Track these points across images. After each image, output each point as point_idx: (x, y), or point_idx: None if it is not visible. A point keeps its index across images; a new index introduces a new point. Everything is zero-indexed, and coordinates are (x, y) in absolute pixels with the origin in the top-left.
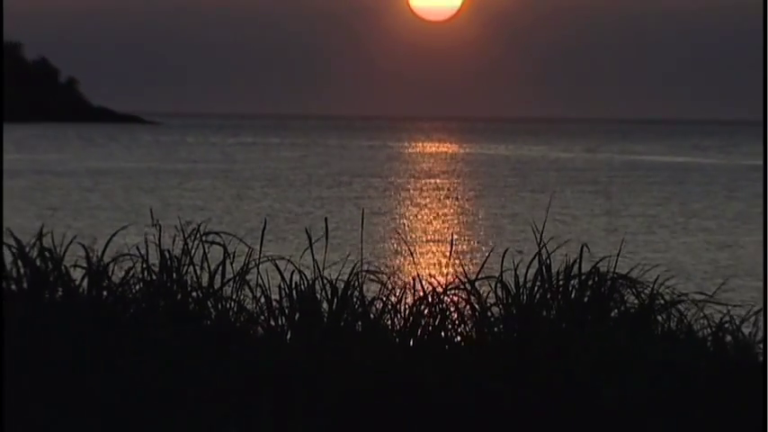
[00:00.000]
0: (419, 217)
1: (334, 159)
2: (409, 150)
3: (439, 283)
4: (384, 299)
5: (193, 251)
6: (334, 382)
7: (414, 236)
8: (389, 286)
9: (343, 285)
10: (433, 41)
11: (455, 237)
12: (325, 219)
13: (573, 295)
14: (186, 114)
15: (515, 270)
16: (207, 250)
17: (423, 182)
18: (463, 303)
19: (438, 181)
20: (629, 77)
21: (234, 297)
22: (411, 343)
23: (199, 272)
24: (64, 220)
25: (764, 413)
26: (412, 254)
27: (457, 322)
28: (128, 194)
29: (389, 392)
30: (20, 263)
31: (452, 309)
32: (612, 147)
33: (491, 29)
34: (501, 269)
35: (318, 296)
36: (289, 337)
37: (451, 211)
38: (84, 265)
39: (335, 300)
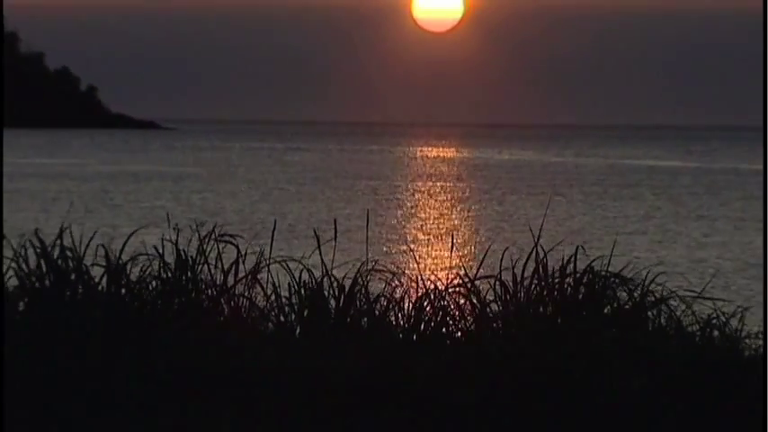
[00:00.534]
0: (421, 218)
1: (339, 163)
2: (411, 155)
3: (440, 281)
4: (388, 296)
5: (208, 251)
6: (341, 375)
7: (416, 236)
8: (393, 284)
9: (349, 283)
10: (435, 51)
11: (455, 237)
12: (335, 220)
13: (568, 293)
14: (200, 120)
15: (513, 269)
16: (221, 250)
17: (424, 185)
18: (463, 300)
19: (439, 184)
20: (622, 86)
21: (246, 295)
22: (414, 338)
23: (213, 271)
24: (84, 221)
25: (764, 413)
26: (414, 253)
27: (458, 318)
28: (145, 197)
29: (393, 385)
30: (42, 262)
31: (453, 305)
32: (605, 151)
33: (490, 39)
34: (499, 268)
35: (326, 293)
36: (298, 332)
37: (452, 212)
38: (104, 263)
39: (342, 297)
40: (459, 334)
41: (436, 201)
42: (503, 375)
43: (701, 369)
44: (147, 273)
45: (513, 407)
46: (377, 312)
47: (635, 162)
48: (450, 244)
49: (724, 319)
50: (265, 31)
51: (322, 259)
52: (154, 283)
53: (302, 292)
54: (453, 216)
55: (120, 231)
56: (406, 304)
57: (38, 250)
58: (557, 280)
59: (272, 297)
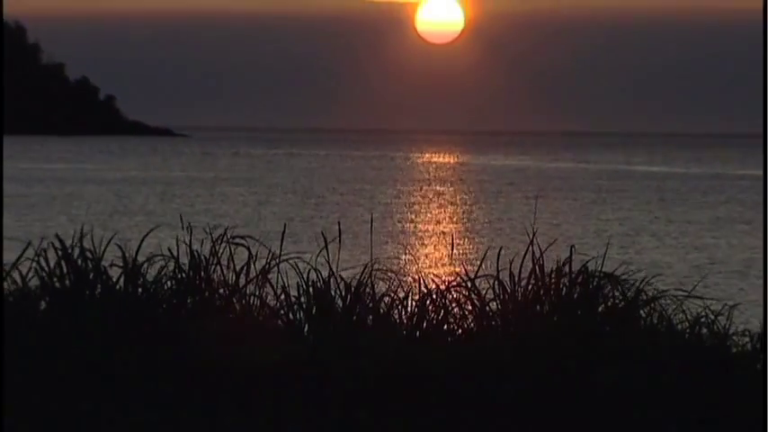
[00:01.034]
0: (423, 220)
1: (345, 168)
2: (413, 161)
3: (442, 280)
4: (392, 295)
5: (220, 252)
6: (347, 370)
7: (418, 237)
8: (397, 284)
9: (355, 283)
10: (437, 62)
11: (456, 238)
12: (338, 222)
13: (564, 292)
14: (212, 128)
15: (511, 269)
16: (233, 252)
17: (425, 189)
18: (464, 299)
19: (440, 188)
20: (616, 95)
21: (257, 294)
22: (417, 335)
23: (225, 271)
24: (103, 224)
25: (764, 413)
26: (417, 254)
27: (458, 316)
28: (160, 200)
29: (397, 380)
30: (63, 262)
31: (454, 304)
32: (599, 157)
33: (489, 50)
34: (498, 268)
35: (333, 293)
36: (306, 330)
37: (452, 214)
38: (121, 264)
39: (348, 296)
40: (460, 331)
41: (437, 204)
42: (502, 370)
43: (690, 364)
44: (163, 273)
45: (511, 399)
46: (381, 311)
47: (628, 167)
48: (450, 245)
49: (712, 318)
50: (274, 42)
51: (329, 260)
52: (169, 282)
53: (310, 291)
54: (453, 218)
55: (137, 233)
56: (410, 303)
57: (59, 252)
58: (553, 280)
59: (282, 296)
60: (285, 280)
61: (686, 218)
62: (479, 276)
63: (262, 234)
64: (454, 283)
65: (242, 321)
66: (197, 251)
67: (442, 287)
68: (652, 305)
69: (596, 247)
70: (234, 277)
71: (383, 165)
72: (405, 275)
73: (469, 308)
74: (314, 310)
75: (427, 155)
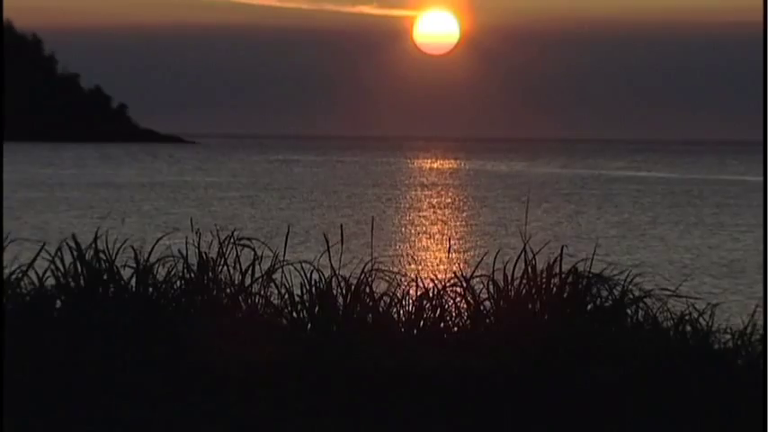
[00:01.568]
0: (420, 223)
1: (345, 173)
2: (411, 166)
3: (438, 280)
4: (391, 295)
5: (227, 254)
6: (348, 366)
7: (416, 239)
8: (396, 284)
9: (355, 283)
10: (434, 72)
11: (452, 240)
12: (341, 225)
13: (554, 291)
14: (219, 135)
15: (504, 269)
16: (239, 253)
17: (423, 193)
18: (460, 298)
19: (437, 192)
20: (606, 104)
21: (262, 293)
22: (415, 333)
23: (231, 271)
24: (116, 227)
25: (764, 413)
26: (414, 255)
27: (454, 315)
28: (170, 204)
29: (395, 375)
30: (78, 263)
31: (450, 303)
32: (589, 162)
33: (484, 61)
34: (492, 268)
35: (335, 292)
36: (309, 327)
37: (449, 217)
38: (133, 265)
39: (349, 295)
40: (456, 329)
41: (434, 207)
42: (495, 366)
43: (674, 361)
44: (173, 273)
45: (504, 394)
46: (381, 309)
47: (615, 173)
48: (447, 247)
49: (695, 316)
50: (279, 54)
51: (330, 261)
52: (178, 282)
53: (313, 290)
54: (450, 221)
55: (148, 236)
56: (408, 302)
57: (74, 253)
58: (544, 280)
59: (286, 295)
60: (289, 280)
61: (670, 220)
62: (474, 277)
63: (266, 236)
64: (450, 283)
65: (247, 319)
66: (205, 252)
67: (439, 287)
68: (638, 304)
69: (585, 249)
70: (240, 277)
71: (382, 170)
72: (403, 275)
73: (465, 306)
74: (316, 309)
75: (424, 160)
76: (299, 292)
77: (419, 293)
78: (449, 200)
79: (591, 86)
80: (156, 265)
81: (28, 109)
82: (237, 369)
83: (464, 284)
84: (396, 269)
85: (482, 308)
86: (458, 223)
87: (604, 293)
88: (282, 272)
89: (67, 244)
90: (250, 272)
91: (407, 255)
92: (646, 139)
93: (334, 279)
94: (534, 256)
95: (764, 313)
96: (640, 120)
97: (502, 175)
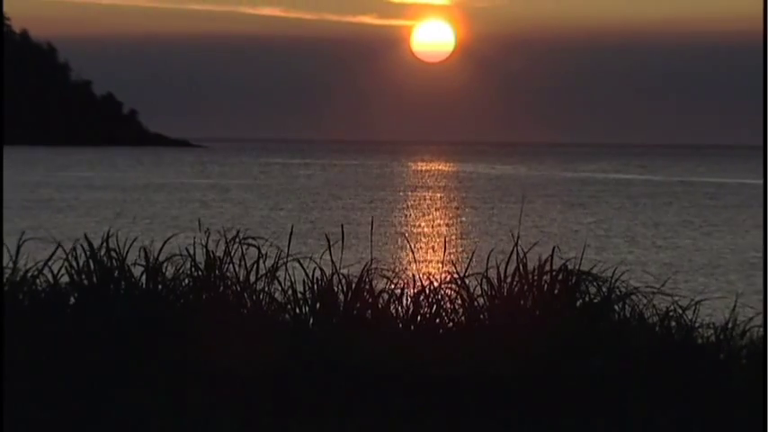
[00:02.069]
0: (418, 223)
1: (346, 176)
2: (409, 169)
3: (435, 278)
4: (390, 291)
5: (233, 252)
6: (349, 360)
7: (414, 239)
8: (394, 281)
9: (356, 280)
10: (431, 79)
11: (448, 239)
12: (342, 225)
13: (545, 288)
14: (226, 139)
15: (498, 267)
16: (244, 251)
17: (420, 195)
18: (455, 295)
19: (434, 193)
20: (596, 110)
21: (266, 290)
22: (412, 328)
23: (237, 269)
24: (127, 226)
25: (764, 413)
26: (413, 254)
27: (450, 311)
28: (179, 205)
29: (394, 369)
30: (91, 261)
31: (446, 300)
32: (579, 166)
33: (479, 68)
34: (486, 267)
35: (336, 289)
36: (311, 323)
37: (445, 218)
38: (143, 263)
39: (350, 292)
40: (451, 324)
41: (431, 208)
42: (488, 360)
43: (660, 355)
44: (181, 271)
45: (496, 388)
46: (380, 306)
47: (604, 175)
48: (443, 246)
49: (680, 312)
50: (283, 62)
51: (332, 259)
52: (186, 280)
53: (315, 287)
54: (445, 222)
55: (157, 235)
56: (405, 299)
57: (87, 252)
58: (535, 277)
59: (289, 292)
60: (292, 277)
61: (656, 220)
62: (469, 275)
63: (271, 235)
64: (446, 281)
65: (252, 315)
66: (212, 251)
67: (435, 284)
68: (625, 300)
69: (575, 248)
70: (245, 275)
71: (381, 172)
72: (401, 273)
73: (460, 303)
74: (318, 305)
75: (421, 163)
76: (302, 289)
77: (416, 291)
78: (444, 201)
79: (581, 93)
80: (165, 264)
81: (43, 114)
82: (241, 362)
83: (459, 282)
84: (394, 267)
85: (476, 304)
86: (453, 224)
87: (593, 290)
88: (286, 269)
89: (81, 244)
90: (255, 269)
91: (405, 254)
92: (634, 144)
93: (335, 277)
94: (526, 254)
95: (764, 313)
96: (629, 125)
97: (495, 178)
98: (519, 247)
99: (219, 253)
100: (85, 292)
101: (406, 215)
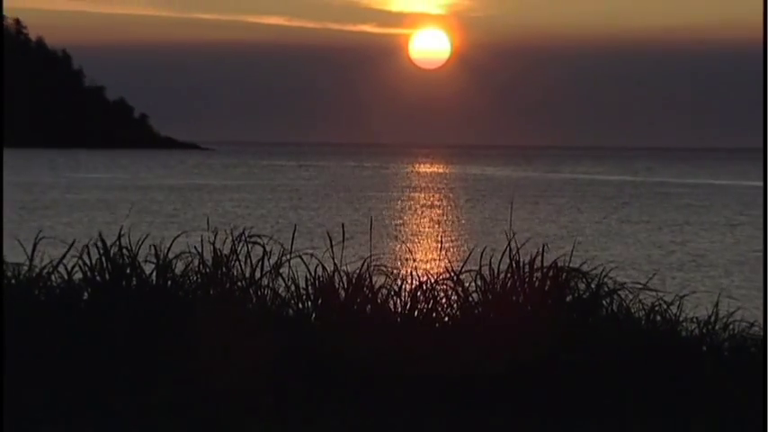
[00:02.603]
0: (415, 222)
1: (346, 178)
2: (407, 170)
3: (431, 274)
4: (389, 287)
5: (239, 250)
6: (349, 352)
7: (411, 237)
8: (393, 277)
9: (356, 277)
10: (428, 84)
11: (443, 238)
12: (342, 224)
13: (536, 284)
14: (233, 142)
15: (491, 264)
16: (250, 249)
17: (418, 194)
18: (450, 291)
19: (430, 194)
20: (588, 114)
21: (270, 286)
22: (409, 322)
23: (243, 266)
24: (138, 225)
25: (764, 413)
26: (410, 251)
27: (445, 306)
28: (187, 205)
29: (392, 361)
30: (104, 259)
31: (442, 295)
32: (570, 168)
33: (474, 74)
34: (480, 264)
35: (337, 285)
36: (313, 317)
37: (441, 217)
38: (154, 260)
39: (350, 288)
40: (447, 319)
41: (427, 208)
42: (482, 353)
43: (646, 348)
44: (189, 268)
45: (489, 379)
46: (379, 301)
47: (593, 176)
48: (439, 244)
49: (665, 307)
50: (287, 68)
51: (333, 256)
52: (195, 276)
53: (317, 283)
54: (441, 221)
55: (167, 233)
56: (404, 294)
57: (100, 249)
58: (527, 274)
59: (292, 288)
60: (295, 273)
61: (642, 219)
62: (464, 271)
63: (275, 233)
64: (442, 277)
65: (257, 309)
66: (219, 249)
67: (432, 280)
68: (613, 296)
69: (565, 245)
70: (250, 271)
71: (380, 174)
72: (399, 270)
73: (455, 298)
74: (320, 300)
75: (418, 165)
76: (305, 285)
77: (414, 287)
78: (440, 201)
79: (571, 99)
80: (175, 261)
81: (58, 118)
82: (246, 354)
83: (454, 278)
84: (393, 264)
85: (471, 299)
86: (448, 223)
87: (582, 286)
88: (289, 266)
89: (94, 242)
90: (260, 266)
91: (403, 251)
92: (622, 146)
93: (336, 273)
94: (518, 252)
95: (764, 312)
96: (617, 129)
97: (489, 179)
98: (512, 245)
99: (226, 251)
100: (98, 288)
101: (403, 214)
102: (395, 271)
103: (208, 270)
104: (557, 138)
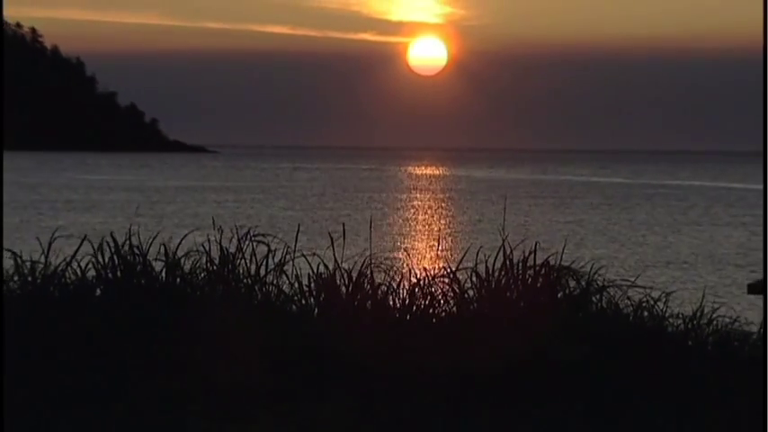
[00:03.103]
0: (413, 222)
1: (348, 179)
2: (405, 172)
3: (428, 272)
4: (387, 284)
5: (245, 248)
6: (350, 347)
7: (409, 236)
8: (392, 275)
9: (356, 274)
10: (425, 91)
11: (440, 236)
12: (343, 224)
13: (529, 281)
14: (239, 145)
15: (486, 262)
16: (255, 248)
17: (416, 195)
18: (447, 288)
19: (428, 195)
20: (582, 119)
21: (274, 283)
22: (408, 317)
23: (248, 264)
24: (148, 224)
25: (764, 413)
26: (408, 250)
27: (442, 302)
28: (195, 205)
29: (391, 355)
30: (116, 257)
31: (439, 292)
32: (562, 170)
33: (471, 81)
34: (475, 261)
35: (338, 282)
36: (316, 313)
37: (437, 217)
38: (163, 258)
39: (351, 285)
40: (444, 314)
41: (425, 209)
42: (477, 347)
43: (633, 342)
44: (197, 266)
45: (483, 372)
46: (378, 297)
47: (583, 178)
48: (436, 242)
49: (652, 303)
50: (290, 74)
51: (334, 255)
52: (202, 274)
53: (319, 281)
54: (438, 220)
55: (176, 233)
56: (402, 291)
57: (112, 248)
58: (520, 271)
59: (296, 285)
60: (298, 271)
61: (629, 219)
62: (460, 269)
63: (279, 233)
64: (439, 275)
65: (262, 306)
66: (225, 247)
67: (429, 277)
68: (602, 293)
69: (557, 244)
70: (255, 269)
71: (379, 176)
72: (398, 267)
73: (451, 295)
74: (322, 297)
75: (416, 168)
76: (307, 282)
77: (412, 284)
78: (437, 202)
79: (563, 104)
80: (183, 259)
81: (72, 122)
82: (252, 349)
83: (451, 275)
84: (391, 262)
85: (466, 296)
86: (445, 222)
87: (572, 284)
88: (293, 264)
89: (107, 242)
90: (264, 264)
91: (402, 250)
92: (611, 150)
93: (337, 271)
94: (511, 250)
95: (764, 312)
96: (608, 133)
97: (484, 181)
98: (506, 244)
99: (232, 249)
100: (110, 284)
101: (402, 214)
102: (394, 268)
103: (215, 268)
104: (549, 141)
